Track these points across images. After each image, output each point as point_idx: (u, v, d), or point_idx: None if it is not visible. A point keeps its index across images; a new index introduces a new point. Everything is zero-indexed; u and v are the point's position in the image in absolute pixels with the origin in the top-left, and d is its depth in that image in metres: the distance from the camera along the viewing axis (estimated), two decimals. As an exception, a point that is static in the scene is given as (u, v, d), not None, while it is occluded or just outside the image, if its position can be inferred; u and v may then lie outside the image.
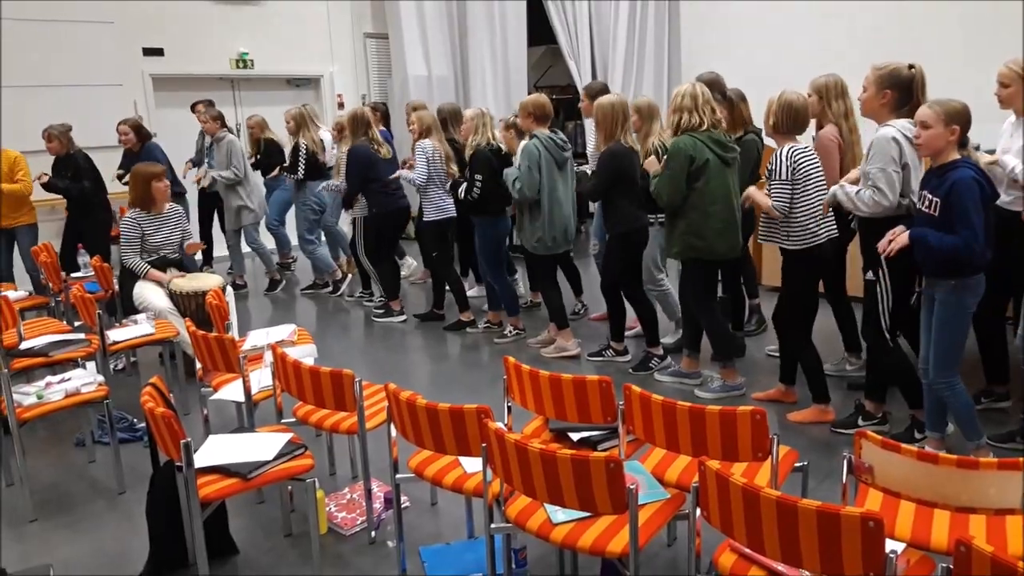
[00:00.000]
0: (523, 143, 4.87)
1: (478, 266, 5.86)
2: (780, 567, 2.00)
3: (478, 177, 5.10)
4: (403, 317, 6.11)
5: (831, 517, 1.76)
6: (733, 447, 2.38)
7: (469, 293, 6.11)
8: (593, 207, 6.01)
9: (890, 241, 3.21)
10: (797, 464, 2.62)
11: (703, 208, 4.04)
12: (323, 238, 7.03)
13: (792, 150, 3.67)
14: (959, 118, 3.04)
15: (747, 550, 2.04)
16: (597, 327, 5.55)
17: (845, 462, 2.23)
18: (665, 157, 4.09)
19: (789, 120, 3.71)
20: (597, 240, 5.48)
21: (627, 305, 4.87)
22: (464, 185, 5.21)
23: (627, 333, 5.11)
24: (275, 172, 6.88)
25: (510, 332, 5.49)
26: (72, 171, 6.23)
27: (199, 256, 6.56)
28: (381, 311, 6.18)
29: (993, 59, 3.67)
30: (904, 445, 2.10)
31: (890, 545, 1.83)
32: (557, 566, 2.80)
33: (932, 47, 5.89)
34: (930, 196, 3.10)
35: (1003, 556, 1.60)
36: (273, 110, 7.48)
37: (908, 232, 3.15)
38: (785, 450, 2.61)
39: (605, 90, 5.35)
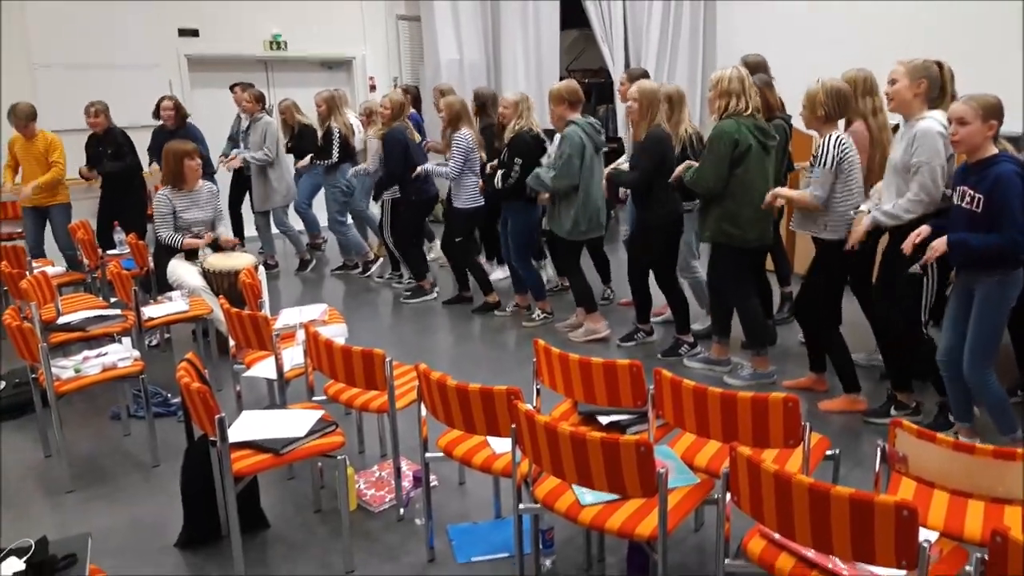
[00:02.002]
0: (566, 130, 4.80)
1: (502, 249, 5.81)
2: (810, 554, 1.99)
3: (518, 161, 5.05)
4: (434, 295, 6.17)
5: (865, 505, 1.75)
6: (764, 434, 2.37)
7: (494, 276, 6.13)
8: (624, 193, 5.96)
9: (917, 246, 3.18)
10: (829, 452, 2.60)
11: (740, 196, 4.00)
12: (350, 220, 7.05)
13: (839, 138, 3.62)
14: (996, 113, 2.99)
15: (777, 536, 2.04)
16: (626, 312, 5.52)
17: (879, 451, 2.21)
18: (709, 141, 4.04)
19: (838, 106, 3.67)
20: (628, 227, 5.45)
21: (656, 291, 4.86)
22: (501, 172, 5.17)
23: (656, 319, 5.11)
24: (306, 161, 6.81)
25: (538, 315, 5.50)
26: (113, 148, 6.31)
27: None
28: (410, 293, 6.22)
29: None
30: (940, 435, 2.08)
31: (923, 535, 1.81)
32: (584, 548, 2.81)
33: (967, 45, 5.71)
34: (972, 192, 3.04)
35: (1040, 547, 1.57)
36: (305, 92, 7.50)
37: (946, 238, 3.08)
38: (817, 438, 2.60)
39: (646, 75, 5.33)
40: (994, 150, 3.02)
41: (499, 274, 6.42)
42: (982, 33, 6.32)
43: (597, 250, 5.83)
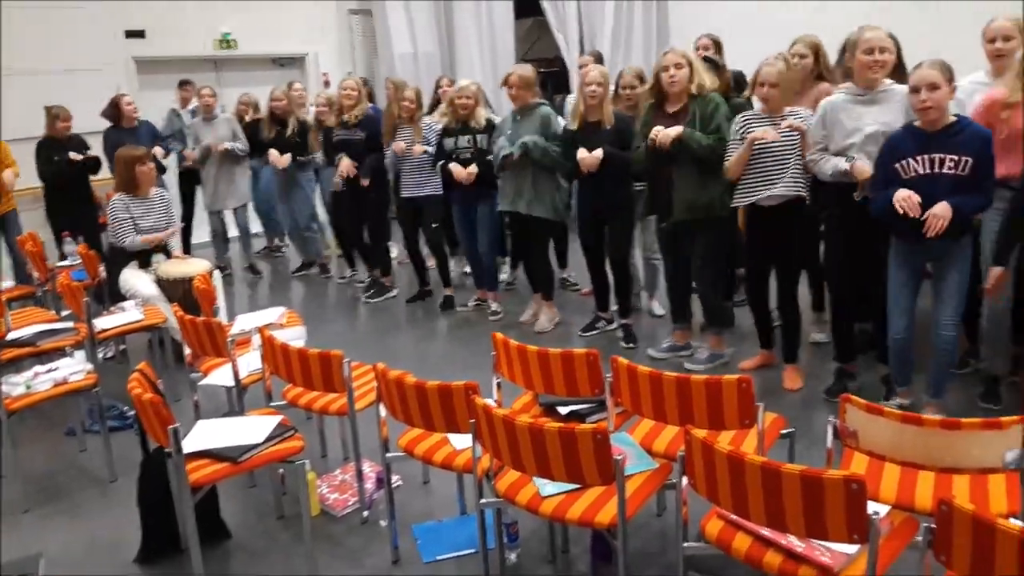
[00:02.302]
0: (543, 110, 4.81)
1: (463, 242, 5.72)
2: (766, 532, 2.00)
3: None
4: (395, 291, 6.15)
5: (814, 481, 1.77)
6: (719, 416, 2.39)
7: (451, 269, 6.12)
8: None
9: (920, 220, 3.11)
10: (784, 431, 2.63)
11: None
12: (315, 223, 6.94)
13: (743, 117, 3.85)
14: (953, 74, 3.04)
15: (733, 516, 2.05)
16: (588, 301, 5.53)
17: (830, 427, 2.23)
18: (716, 111, 4.02)
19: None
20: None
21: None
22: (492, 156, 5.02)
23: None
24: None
25: (497, 307, 5.49)
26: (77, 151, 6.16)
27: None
28: (373, 291, 6.16)
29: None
30: (887, 408, 2.11)
31: (874, 507, 1.84)
32: (548, 540, 2.82)
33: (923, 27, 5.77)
34: (955, 156, 3.04)
35: (983, 514, 1.60)
36: (257, 91, 7.38)
37: (948, 206, 3.01)
38: (771, 417, 2.62)
39: (600, 59, 5.38)
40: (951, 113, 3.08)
41: (453, 267, 6.39)
42: (929, 17, 6.41)
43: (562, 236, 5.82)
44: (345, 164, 5.72)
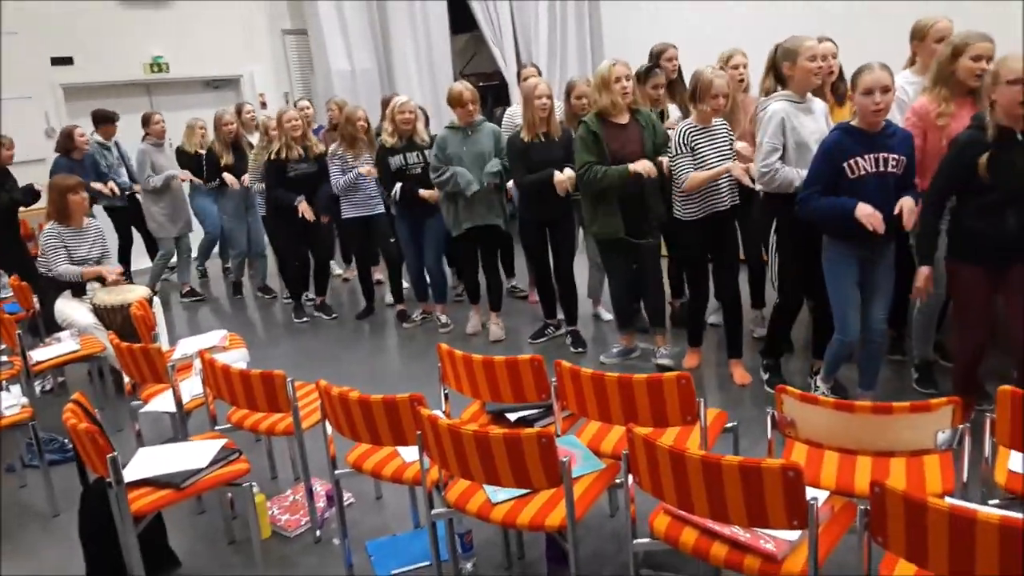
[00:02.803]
0: (490, 126, 4.95)
1: (408, 257, 5.68)
2: (711, 525, 2.04)
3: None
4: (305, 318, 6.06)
5: (753, 471, 1.81)
6: (663, 413, 2.43)
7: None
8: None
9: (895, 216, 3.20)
10: (728, 425, 2.68)
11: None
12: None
13: (682, 126, 3.93)
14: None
15: (680, 511, 2.09)
16: (536, 309, 5.56)
17: (768, 418, 2.29)
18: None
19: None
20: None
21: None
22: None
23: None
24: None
25: (445, 319, 5.49)
26: (10, 182, 5.97)
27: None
28: (322, 312, 6.10)
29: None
30: (821, 397, 2.17)
31: (813, 493, 1.89)
32: (503, 547, 2.82)
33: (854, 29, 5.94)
34: (895, 156, 3.15)
35: (914, 494, 1.66)
36: (192, 114, 7.27)
37: (911, 199, 3.14)
38: (715, 412, 2.67)
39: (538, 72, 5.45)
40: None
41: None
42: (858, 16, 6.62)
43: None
44: (304, 209, 5.57)
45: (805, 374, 4.01)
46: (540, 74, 6.01)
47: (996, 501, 2.27)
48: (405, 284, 6.05)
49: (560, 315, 5.01)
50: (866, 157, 3.17)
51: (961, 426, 2.11)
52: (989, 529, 1.57)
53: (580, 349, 4.77)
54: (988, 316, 3.10)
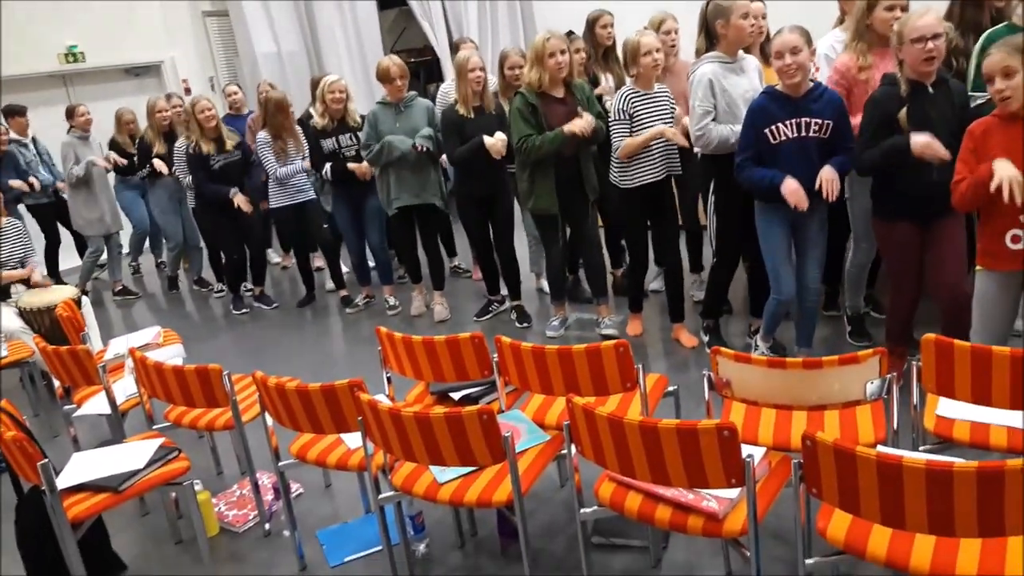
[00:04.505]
0: (422, 102, 4.84)
1: (347, 240, 5.61)
2: (655, 488, 2.07)
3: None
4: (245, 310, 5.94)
5: (689, 433, 1.84)
6: (603, 382, 2.45)
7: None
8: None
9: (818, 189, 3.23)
10: (669, 389, 2.71)
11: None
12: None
13: (623, 92, 3.86)
14: (810, 37, 3.17)
15: (623, 477, 2.11)
16: (476, 286, 5.56)
17: (705, 379, 2.32)
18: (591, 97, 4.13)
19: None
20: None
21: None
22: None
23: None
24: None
25: (396, 301, 5.44)
26: None
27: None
28: (262, 301, 5.99)
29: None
30: (754, 356, 2.21)
31: (749, 450, 1.93)
32: (456, 526, 2.82)
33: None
34: (819, 120, 3.18)
35: (842, 444, 1.70)
36: (114, 103, 6.99)
37: (834, 169, 3.18)
38: (655, 377, 2.71)
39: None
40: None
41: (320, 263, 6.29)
42: None
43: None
44: (241, 201, 5.42)
45: (745, 334, 4.09)
46: (477, 48, 5.95)
47: (927, 447, 2.35)
48: (345, 268, 5.98)
49: (504, 291, 5.00)
50: (788, 123, 3.21)
51: (889, 376, 2.17)
52: (915, 474, 1.62)
53: (525, 324, 4.78)
54: (919, 271, 3.17)
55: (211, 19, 8.97)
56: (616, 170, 3.97)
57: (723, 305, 4.16)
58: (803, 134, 3.21)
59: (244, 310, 5.88)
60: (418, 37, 9.23)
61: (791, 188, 3.17)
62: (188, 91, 8.57)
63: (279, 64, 8.46)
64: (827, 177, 3.16)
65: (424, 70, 9.73)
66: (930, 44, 2.82)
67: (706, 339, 4.04)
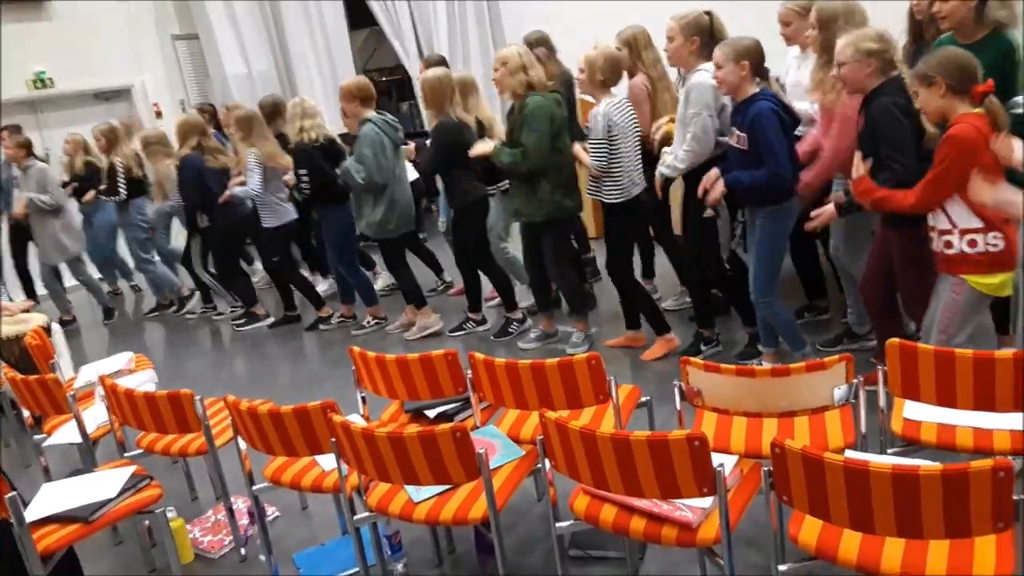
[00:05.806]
0: (362, 130, 4.72)
1: (327, 260, 5.64)
2: (629, 500, 2.08)
3: (302, 172, 4.92)
4: (270, 320, 5.90)
5: (660, 444, 1.85)
6: (576, 395, 2.46)
7: (320, 288, 5.97)
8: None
9: (706, 191, 3.37)
10: (642, 399, 2.73)
11: (563, 167, 4.09)
12: (157, 257, 6.56)
13: (609, 106, 3.77)
14: (748, 54, 3.20)
15: (597, 490, 2.11)
16: (457, 302, 5.55)
17: (676, 390, 2.34)
18: (525, 119, 3.99)
19: (614, 73, 3.83)
20: (445, 217, 5.46)
21: (482, 276, 4.91)
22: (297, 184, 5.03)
23: (489, 303, 5.17)
24: (89, 196, 6.30)
25: (368, 323, 5.41)
26: None
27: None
28: (243, 320, 5.93)
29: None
30: (723, 365, 2.23)
31: (720, 459, 1.94)
32: (433, 544, 2.81)
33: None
34: (738, 132, 3.27)
35: (810, 450, 1.72)
36: (84, 130, 6.93)
37: (723, 179, 3.31)
38: (628, 389, 2.72)
39: (442, 62, 5.30)
40: (754, 90, 3.23)
41: (323, 286, 6.25)
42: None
43: (417, 246, 5.80)
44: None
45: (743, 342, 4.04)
46: (446, 64, 5.93)
47: (896, 449, 2.38)
48: (322, 287, 5.97)
49: (483, 311, 5.02)
50: (731, 129, 3.36)
51: (855, 381, 2.20)
52: (882, 479, 1.64)
53: (504, 337, 4.76)
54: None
55: (180, 42, 8.94)
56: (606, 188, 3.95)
57: (706, 309, 4.09)
58: (733, 143, 3.32)
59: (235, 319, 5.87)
60: (390, 56, 9.26)
61: (708, 178, 3.37)
62: (159, 114, 8.53)
63: (250, 84, 8.45)
64: (708, 178, 3.35)
65: (396, 88, 9.76)
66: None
67: (706, 349, 4.02)
